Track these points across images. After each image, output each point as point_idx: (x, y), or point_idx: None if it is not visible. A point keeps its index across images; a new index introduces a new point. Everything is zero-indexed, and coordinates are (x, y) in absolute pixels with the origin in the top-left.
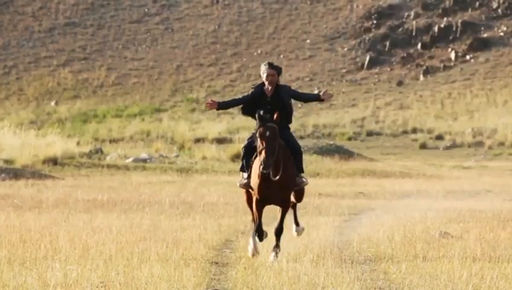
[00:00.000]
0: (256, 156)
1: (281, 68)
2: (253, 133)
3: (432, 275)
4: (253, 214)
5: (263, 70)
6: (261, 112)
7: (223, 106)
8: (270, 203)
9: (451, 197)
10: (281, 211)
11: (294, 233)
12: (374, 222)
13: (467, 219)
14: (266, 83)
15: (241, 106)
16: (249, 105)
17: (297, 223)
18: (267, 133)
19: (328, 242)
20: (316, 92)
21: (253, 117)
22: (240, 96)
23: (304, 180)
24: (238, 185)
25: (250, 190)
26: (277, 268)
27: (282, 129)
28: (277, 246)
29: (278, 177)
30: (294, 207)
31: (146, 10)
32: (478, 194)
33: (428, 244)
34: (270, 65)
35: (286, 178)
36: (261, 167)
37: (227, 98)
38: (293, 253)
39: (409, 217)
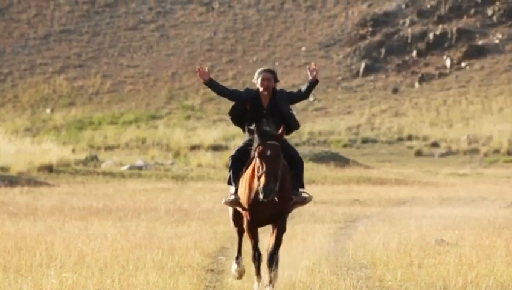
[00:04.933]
0: (246, 167)
1: (276, 74)
2: (245, 143)
3: (428, 283)
4: (238, 234)
5: (257, 75)
6: (263, 126)
7: (212, 84)
8: (263, 223)
9: (446, 205)
10: (275, 233)
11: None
12: (369, 229)
13: (462, 226)
14: (261, 89)
15: (230, 103)
16: (239, 110)
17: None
18: (268, 153)
19: (323, 249)
20: (311, 99)
21: (242, 128)
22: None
23: (307, 195)
24: (223, 202)
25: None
26: (273, 276)
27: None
28: (271, 282)
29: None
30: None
31: (141, 17)
32: (473, 201)
33: (423, 251)
34: (266, 69)
35: (281, 194)
36: (261, 195)
37: (222, 105)
38: (289, 260)
39: (405, 224)
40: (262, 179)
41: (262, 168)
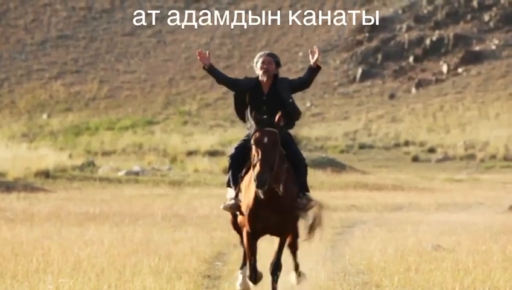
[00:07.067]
0: (247, 169)
1: (278, 58)
2: (244, 140)
3: (424, 288)
4: (241, 237)
5: (257, 58)
6: (258, 114)
7: (212, 71)
8: (265, 233)
9: (443, 210)
10: (278, 241)
11: (293, 281)
12: (366, 235)
13: (459, 232)
14: (260, 73)
15: (232, 91)
16: (240, 102)
17: (296, 268)
18: (265, 140)
19: (320, 255)
20: (308, 104)
21: (244, 120)
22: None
23: (312, 202)
24: (222, 207)
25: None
26: (269, 281)
27: (283, 136)
28: None
29: (281, 192)
30: (292, 246)
31: (138, 23)
32: (470, 207)
33: (420, 257)
34: (266, 52)
35: (285, 197)
36: (255, 184)
37: (219, 111)
38: (285, 267)
39: (401, 230)
40: (257, 167)
41: (258, 155)
